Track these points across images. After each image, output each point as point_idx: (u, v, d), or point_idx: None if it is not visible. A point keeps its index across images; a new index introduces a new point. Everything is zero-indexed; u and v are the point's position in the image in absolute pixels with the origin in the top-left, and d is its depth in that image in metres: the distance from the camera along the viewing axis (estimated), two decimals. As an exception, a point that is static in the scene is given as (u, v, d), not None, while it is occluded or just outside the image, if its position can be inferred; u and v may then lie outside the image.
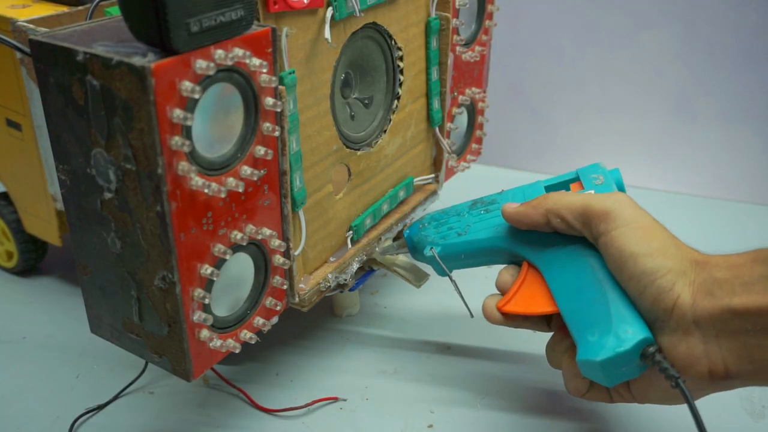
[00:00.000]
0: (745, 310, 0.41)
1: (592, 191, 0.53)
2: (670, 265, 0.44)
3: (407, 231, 0.61)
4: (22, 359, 0.63)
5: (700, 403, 0.44)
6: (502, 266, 0.57)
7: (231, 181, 0.43)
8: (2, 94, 0.63)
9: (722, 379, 0.43)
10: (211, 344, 0.46)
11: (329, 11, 0.50)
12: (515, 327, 0.54)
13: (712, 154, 1.43)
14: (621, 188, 0.54)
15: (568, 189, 0.55)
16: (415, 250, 0.60)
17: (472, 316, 0.59)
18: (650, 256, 0.45)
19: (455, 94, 0.69)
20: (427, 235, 0.59)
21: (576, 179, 0.55)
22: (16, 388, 0.60)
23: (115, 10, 0.55)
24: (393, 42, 0.59)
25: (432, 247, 0.58)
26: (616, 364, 0.45)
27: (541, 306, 0.51)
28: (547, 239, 0.52)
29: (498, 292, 0.55)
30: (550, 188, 0.56)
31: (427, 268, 0.64)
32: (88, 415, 0.56)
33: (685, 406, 0.43)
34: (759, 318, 0.41)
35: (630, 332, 0.45)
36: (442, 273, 0.59)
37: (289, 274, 0.52)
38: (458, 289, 0.58)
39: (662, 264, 0.44)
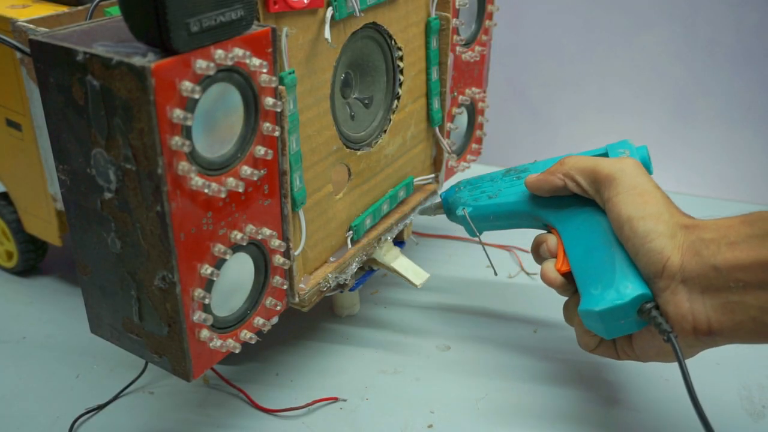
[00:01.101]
0: (728, 267, 0.44)
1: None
2: (662, 229, 0.47)
3: (444, 193, 0.67)
4: (22, 359, 0.63)
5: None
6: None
7: (231, 181, 0.43)
8: (2, 94, 0.63)
9: (706, 335, 0.45)
10: (211, 344, 0.46)
11: (329, 11, 0.50)
12: (566, 294, 0.55)
13: (712, 154, 1.43)
14: (647, 165, 0.57)
15: None
16: (450, 211, 0.66)
17: (496, 274, 0.67)
18: (643, 219, 0.47)
19: (455, 94, 0.69)
20: (461, 196, 0.64)
21: (604, 154, 0.58)
22: (16, 388, 0.60)
23: (115, 10, 0.55)
24: (393, 42, 0.59)
25: (464, 208, 0.62)
26: (614, 316, 0.48)
27: None
28: (565, 202, 0.56)
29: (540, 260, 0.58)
30: None
31: (428, 268, 0.64)
32: (88, 415, 0.56)
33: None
34: (740, 273, 0.43)
35: (629, 288, 0.47)
36: (472, 233, 0.63)
37: (289, 274, 0.52)
38: (485, 248, 0.64)
39: (653, 227, 0.47)
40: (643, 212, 0.48)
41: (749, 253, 0.43)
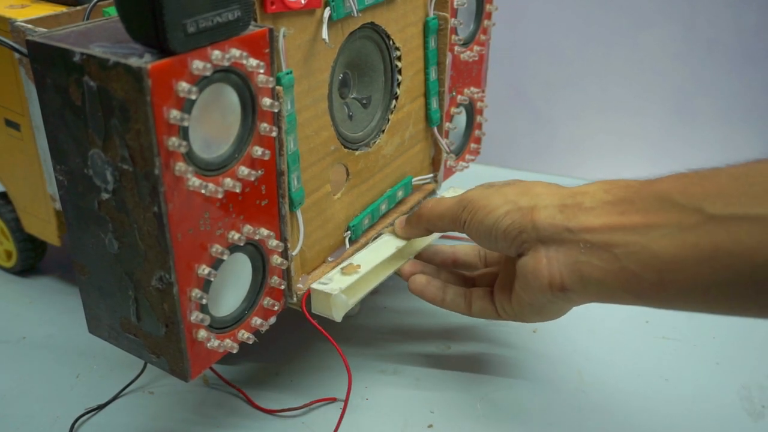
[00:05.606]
0: (579, 229, 0.47)
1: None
2: (507, 208, 0.51)
3: None
4: (22, 359, 0.63)
5: (700, 404, 0.44)
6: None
7: (228, 182, 0.43)
8: (1, 94, 0.63)
9: (560, 291, 0.48)
10: (208, 344, 0.46)
11: (327, 11, 0.50)
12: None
13: (712, 154, 1.43)
14: None
15: None
16: None
17: None
18: (492, 212, 0.52)
19: (454, 93, 0.69)
20: None
21: None
22: (16, 388, 0.60)
23: (113, 11, 0.55)
24: (391, 42, 0.59)
25: None
26: None
27: None
28: None
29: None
30: None
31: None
32: (88, 415, 0.56)
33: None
34: (588, 235, 0.46)
35: None
36: None
37: (286, 275, 0.53)
38: None
39: (499, 211, 0.51)
40: (492, 206, 0.52)
41: (599, 217, 0.46)
